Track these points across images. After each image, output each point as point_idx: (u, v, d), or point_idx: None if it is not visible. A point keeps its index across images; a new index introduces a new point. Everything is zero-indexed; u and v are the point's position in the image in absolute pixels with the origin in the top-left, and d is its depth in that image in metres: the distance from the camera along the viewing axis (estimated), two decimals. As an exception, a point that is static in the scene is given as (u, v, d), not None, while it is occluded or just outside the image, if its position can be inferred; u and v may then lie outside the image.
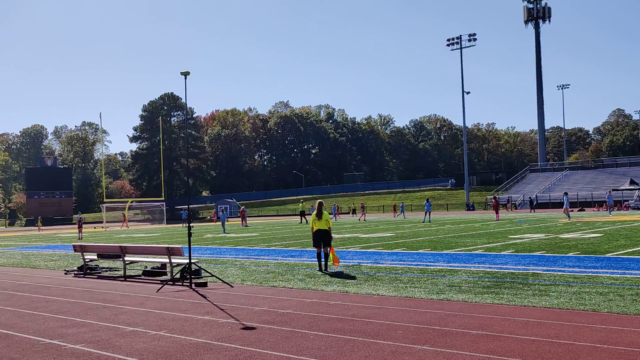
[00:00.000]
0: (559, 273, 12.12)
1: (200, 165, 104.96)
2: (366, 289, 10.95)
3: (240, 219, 48.31)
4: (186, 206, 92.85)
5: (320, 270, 13.94)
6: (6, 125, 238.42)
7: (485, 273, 12.53)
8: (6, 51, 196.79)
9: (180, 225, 56.71)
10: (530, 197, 65.98)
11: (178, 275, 13.13)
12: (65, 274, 15.98)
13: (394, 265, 14.58)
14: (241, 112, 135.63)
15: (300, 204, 50.34)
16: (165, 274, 14.44)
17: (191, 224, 12.94)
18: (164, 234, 38.04)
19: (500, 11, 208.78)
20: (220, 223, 38.47)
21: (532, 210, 58.70)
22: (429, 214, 41.51)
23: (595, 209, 57.71)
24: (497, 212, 41.68)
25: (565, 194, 37.31)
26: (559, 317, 7.95)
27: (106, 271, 15.90)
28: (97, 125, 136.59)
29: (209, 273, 13.09)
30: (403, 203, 60.83)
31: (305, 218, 48.10)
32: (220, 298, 10.65)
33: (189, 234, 12.59)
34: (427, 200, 43.10)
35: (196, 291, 11.66)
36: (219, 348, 6.95)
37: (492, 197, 43.92)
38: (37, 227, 62.43)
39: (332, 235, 14.75)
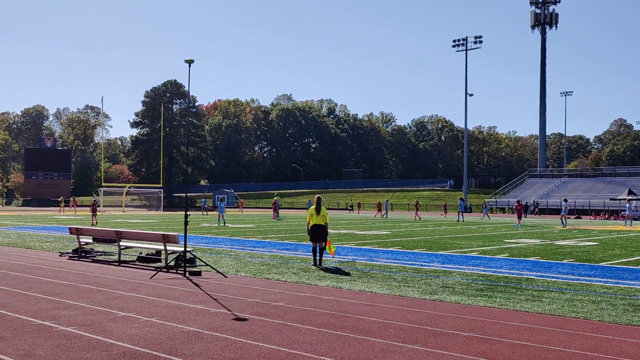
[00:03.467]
0: (553, 279, 12.14)
1: (200, 154, 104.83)
2: (360, 286, 10.96)
3: (272, 210, 45.77)
4: (206, 194, 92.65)
5: (315, 264, 13.97)
6: (7, 104, 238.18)
7: (479, 276, 12.55)
8: (11, 30, 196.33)
9: (201, 213, 57.15)
10: (527, 202, 66.08)
11: (172, 263, 13.15)
12: (60, 256, 15.98)
13: (388, 264, 14.61)
14: (243, 102, 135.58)
15: (275, 198, 49.99)
16: (159, 260, 14.46)
17: (189, 213, 12.93)
18: (160, 221, 38.05)
19: (507, 15, 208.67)
20: (218, 214, 35.37)
21: (525, 215, 58.85)
22: (461, 214, 43.74)
23: (592, 217, 57.76)
24: (519, 217, 37.96)
25: (565, 200, 37.18)
26: (551, 323, 7.97)
27: (101, 255, 15.91)
28: (98, 108, 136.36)
29: (204, 262, 13.10)
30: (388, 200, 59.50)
31: (277, 212, 47.97)
32: (214, 288, 10.66)
33: (186, 222, 12.59)
34: (461, 199, 45.28)
35: (190, 280, 11.67)
36: (210, 337, 6.96)
37: (516, 200, 42.15)
38: (59, 208, 60.66)
39: (329, 230, 14.79)
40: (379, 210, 54.27)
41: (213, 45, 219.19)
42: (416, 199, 61.47)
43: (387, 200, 57.24)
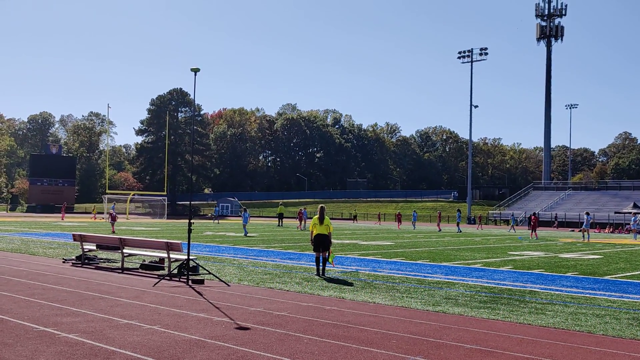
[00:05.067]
0: (557, 292, 12.08)
1: (205, 162, 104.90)
2: (362, 297, 10.93)
3: (298, 220, 43.48)
4: (210, 202, 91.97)
5: (318, 274, 13.94)
6: (13, 111, 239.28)
7: (483, 288, 12.51)
8: (17, 37, 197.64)
9: (212, 222, 57.43)
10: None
11: (175, 271, 13.14)
12: (63, 262, 15.99)
13: (391, 274, 14.57)
14: (248, 111, 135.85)
15: (279, 207, 48.67)
16: (162, 268, 14.45)
17: (192, 221, 12.94)
18: (164, 229, 38.06)
19: (513, 27, 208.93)
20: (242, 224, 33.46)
21: (528, 228, 58.43)
22: (459, 225, 44.73)
23: (596, 230, 57.52)
24: (534, 230, 37.05)
25: (587, 213, 36.80)
26: (554, 336, 7.93)
27: (104, 262, 15.91)
28: (104, 116, 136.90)
29: (207, 270, 13.08)
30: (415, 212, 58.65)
31: (282, 221, 47.37)
32: (216, 296, 10.65)
33: (189, 230, 12.59)
34: (458, 210, 46.09)
35: (192, 288, 11.66)
36: (212, 346, 6.95)
37: (532, 213, 41.29)
38: (92, 216, 61.08)
39: (333, 240, 14.79)
40: (399, 221, 53.39)
41: (219, 55, 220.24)
42: (438, 210, 60.91)
43: (415, 211, 56.29)
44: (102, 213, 67.32)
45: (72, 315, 8.58)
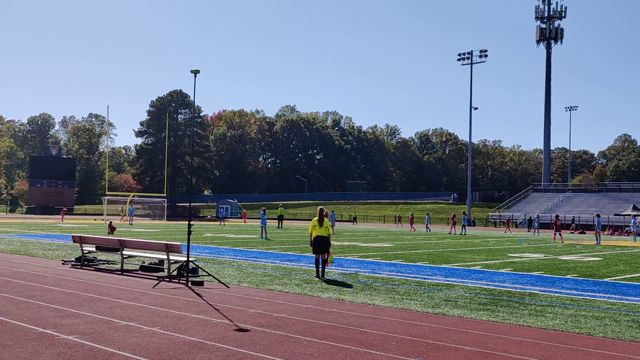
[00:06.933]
0: (556, 294, 12.08)
1: (204, 164, 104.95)
2: (362, 298, 10.93)
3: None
4: (210, 204, 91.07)
5: (318, 276, 13.94)
6: (13, 112, 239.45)
7: (482, 290, 12.50)
8: (17, 37, 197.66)
9: (218, 223, 57.67)
10: (531, 217, 65.67)
11: (175, 273, 13.14)
12: (63, 264, 15.98)
13: (391, 276, 14.57)
14: (248, 113, 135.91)
15: (279, 209, 47.88)
16: (162, 270, 14.45)
17: (192, 222, 12.93)
18: (163, 230, 38.05)
19: (512, 29, 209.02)
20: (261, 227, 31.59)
21: (529, 230, 58.07)
22: (465, 227, 45.09)
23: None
24: (556, 233, 35.50)
25: (597, 215, 36.60)
26: (554, 338, 7.93)
27: (104, 264, 15.90)
28: (104, 117, 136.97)
29: (206, 272, 13.08)
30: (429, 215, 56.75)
31: (282, 222, 47.11)
32: (216, 298, 10.64)
33: (189, 232, 12.59)
34: (464, 212, 46.35)
35: (192, 289, 11.66)
36: (212, 348, 6.94)
37: (555, 215, 39.95)
38: (121, 217, 61.64)
39: (332, 242, 14.78)
40: (412, 223, 52.37)
41: (218, 56, 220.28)
42: (453, 213, 59.03)
43: (428, 214, 55.07)
44: (102, 214, 67.38)
45: (72, 317, 8.58)
